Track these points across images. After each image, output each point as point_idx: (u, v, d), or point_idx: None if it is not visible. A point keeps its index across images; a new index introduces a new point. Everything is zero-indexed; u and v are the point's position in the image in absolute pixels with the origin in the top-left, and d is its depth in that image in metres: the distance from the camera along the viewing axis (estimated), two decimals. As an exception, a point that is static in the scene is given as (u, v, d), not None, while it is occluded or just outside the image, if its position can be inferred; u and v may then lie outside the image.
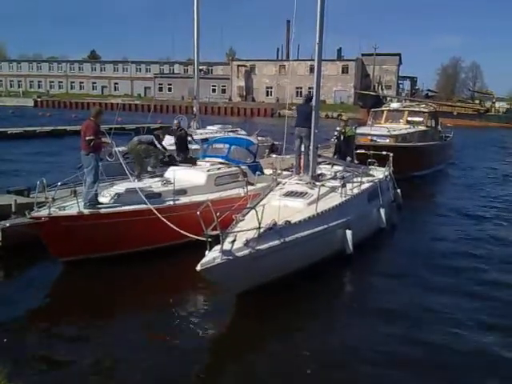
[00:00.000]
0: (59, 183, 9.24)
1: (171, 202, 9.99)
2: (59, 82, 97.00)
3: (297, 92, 72.32)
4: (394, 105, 24.18)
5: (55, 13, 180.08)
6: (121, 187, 9.89)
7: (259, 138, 19.22)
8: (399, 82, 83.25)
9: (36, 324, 7.33)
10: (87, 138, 9.25)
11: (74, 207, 9.00)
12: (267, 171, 12.89)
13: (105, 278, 8.63)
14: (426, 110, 22.38)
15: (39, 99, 77.07)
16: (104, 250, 9.00)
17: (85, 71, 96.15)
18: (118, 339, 6.83)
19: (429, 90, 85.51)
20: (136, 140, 12.28)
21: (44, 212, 8.55)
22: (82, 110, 64.61)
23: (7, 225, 9.15)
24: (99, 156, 9.61)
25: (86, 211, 9.01)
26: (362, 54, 76.12)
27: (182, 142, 14.11)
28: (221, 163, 12.11)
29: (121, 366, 6.18)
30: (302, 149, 11.69)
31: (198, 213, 6.70)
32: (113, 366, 6.23)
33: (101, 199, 9.48)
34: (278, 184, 10.71)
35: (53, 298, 8.45)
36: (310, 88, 69.54)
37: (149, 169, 11.81)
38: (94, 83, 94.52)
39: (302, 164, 11.83)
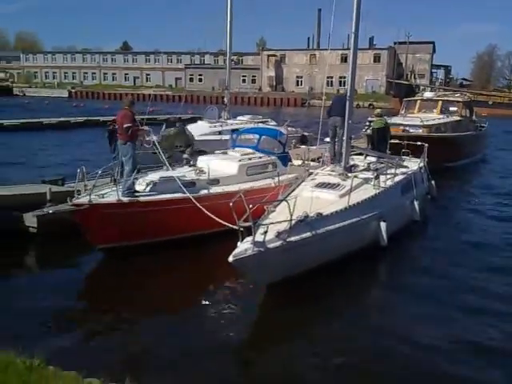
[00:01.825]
0: (99, 171, 9.39)
1: (205, 191, 10.12)
2: (92, 73, 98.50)
3: (327, 81, 71.60)
4: (428, 94, 23.64)
5: (89, 5, 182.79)
6: (156, 175, 10.03)
7: (289, 129, 19.17)
8: (433, 70, 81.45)
9: (73, 309, 7.56)
10: (125, 126, 9.33)
11: (112, 195, 9.16)
12: (295, 162, 12.89)
13: (139, 265, 8.79)
14: (460, 100, 21.85)
15: (73, 90, 78.51)
16: (140, 238, 9.16)
17: (117, 62, 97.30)
18: (150, 326, 7.00)
19: (463, 79, 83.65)
20: (175, 129, 12.50)
21: (84, 199, 8.73)
22: (115, 100, 65.48)
23: (50, 211, 9.37)
24: (135, 144, 9.72)
25: (125, 199, 9.17)
26: (395, 43, 74.67)
27: None
28: (251, 153, 12.13)
29: (152, 352, 6.28)
30: (336, 139, 11.63)
31: (231, 204, 6.73)
32: (143, 352, 6.33)
33: (136, 187, 9.61)
34: (310, 175, 10.65)
35: (88, 284, 8.71)
36: (341, 77, 68.88)
37: (185, 156, 11.93)
38: (127, 74, 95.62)
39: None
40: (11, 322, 6.79)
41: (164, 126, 14.58)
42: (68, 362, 5.45)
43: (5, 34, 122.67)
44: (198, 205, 8.90)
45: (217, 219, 8.23)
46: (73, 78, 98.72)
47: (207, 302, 7.74)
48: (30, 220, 10.00)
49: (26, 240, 9.81)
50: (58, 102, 59.58)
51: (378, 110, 15.81)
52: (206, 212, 8.58)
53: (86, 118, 33.88)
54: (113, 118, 12.67)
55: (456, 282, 8.54)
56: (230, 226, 7.31)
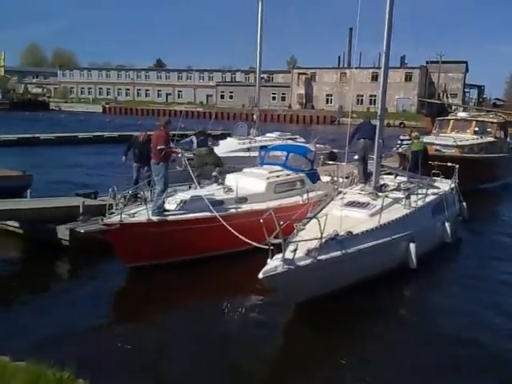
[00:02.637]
0: (130, 191, 9.54)
1: (234, 210, 10.14)
2: (126, 89, 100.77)
3: (358, 100, 71.41)
4: (461, 114, 23.25)
5: (124, 22, 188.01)
6: (186, 194, 10.12)
7: (317, 146, 19.15)
8: (465, 90, 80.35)
9: (100, 323, 7.63)
10: (158, 148, 9.50)
11: (142, 214, 9.25)
12: (324, 178, 12.82)
13: (168, 282, 8.85)
14: (494, 121, 21.46)
15: (107, 106, 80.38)
16: (170, 257, 9.22)
17: (151, 79, 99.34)
18: (176, 342, 7.03)
19: (496, 99, 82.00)
20: (207, 148, 12.67)
21: (115, 219, 8.86)
22: (148, 116, 66.79)
23: (82, 231, 9.54)
24: (168, 165, 9.87)
25: (155, 218, 9.26)
26: (427, 62, 74.08)
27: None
28: (279, 171, 12.12)
29: (177, 368, 6.31)
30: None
31: (262, 220, 6.74)
32: (168, 368, 6.39)
33: (166, 206, 9.72)
34: (339, 193, 10.59)
35: (117, 299, 8.80)
36: (371, 96, 68.61)
37: (214, 173, 12.03)
38: (159, 91, 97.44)
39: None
40: (42, 334, 6.90)
41: (194, 138, 14.66)
42: (97, 375, 5.51)
43: (43, 50, 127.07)
44: (225, 224, 8.92)
45: (244, 238, 8.21)
46: (107, 94, 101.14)
47: (234, 319, 7.69)
48: (63, 232, 10.23)
49: (59, 252, 10.04)
50: (92, 116, 61.09)
51: (416, 133, 15.69)
52: (233, 231, 8.56)
53: (119, 133, 34.52)
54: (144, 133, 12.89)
55: (485, 315, 8.15)
56: (257, 244, 7.31)
